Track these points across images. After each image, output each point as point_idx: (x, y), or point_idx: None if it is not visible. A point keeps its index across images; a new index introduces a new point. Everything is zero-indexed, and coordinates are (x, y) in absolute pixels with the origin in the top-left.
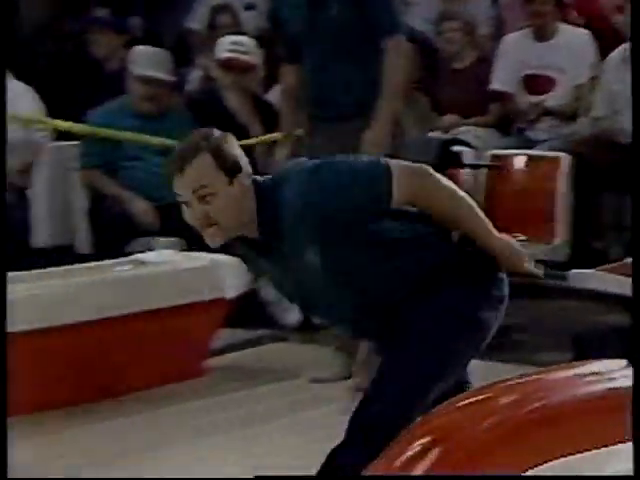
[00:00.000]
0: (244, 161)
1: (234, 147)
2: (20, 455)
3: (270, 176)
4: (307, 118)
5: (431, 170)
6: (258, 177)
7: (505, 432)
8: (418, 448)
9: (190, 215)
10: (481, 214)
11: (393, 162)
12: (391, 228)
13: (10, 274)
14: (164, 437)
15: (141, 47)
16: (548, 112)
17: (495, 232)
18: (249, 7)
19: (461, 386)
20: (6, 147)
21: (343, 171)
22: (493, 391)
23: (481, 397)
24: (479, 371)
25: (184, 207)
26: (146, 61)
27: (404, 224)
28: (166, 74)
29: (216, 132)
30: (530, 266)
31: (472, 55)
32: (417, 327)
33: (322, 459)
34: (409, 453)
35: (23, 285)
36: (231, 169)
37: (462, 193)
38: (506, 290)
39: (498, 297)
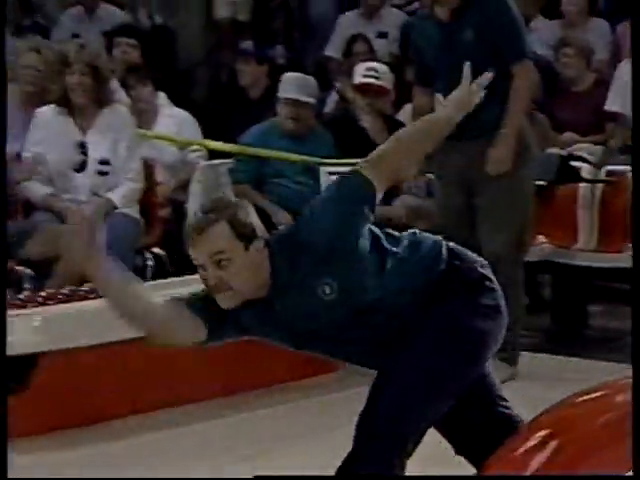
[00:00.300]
0: (259, 226)
1: (250, 214)
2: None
3: (281, 231)
4: None
5: (382, 145)
6: (269, 237)
7: (619, 429)
8: (536, 441)
9: (204, 278)
10: (432, 119)
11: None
12: (391, 242)
13: (171, 279)
14: (292, 429)
15: (289, 73)
16: None
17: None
18: (381, 35)
19: (484, 391)
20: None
21: (329, 198)
22: (609, 389)
23: (597, 394)
24: (597, 370)
25: (199, 270)
26: (293, 86)
27: (404, 239)
28: (310, 97)
29: (233, 200)
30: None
31: (590, 78)
32: (416, 334)
33: (447, 451)
34: (528, 445)
35: (184, 289)
36: (247, 236)
37: (406, 128)
38: (500, 299)
39: (492, 306)
